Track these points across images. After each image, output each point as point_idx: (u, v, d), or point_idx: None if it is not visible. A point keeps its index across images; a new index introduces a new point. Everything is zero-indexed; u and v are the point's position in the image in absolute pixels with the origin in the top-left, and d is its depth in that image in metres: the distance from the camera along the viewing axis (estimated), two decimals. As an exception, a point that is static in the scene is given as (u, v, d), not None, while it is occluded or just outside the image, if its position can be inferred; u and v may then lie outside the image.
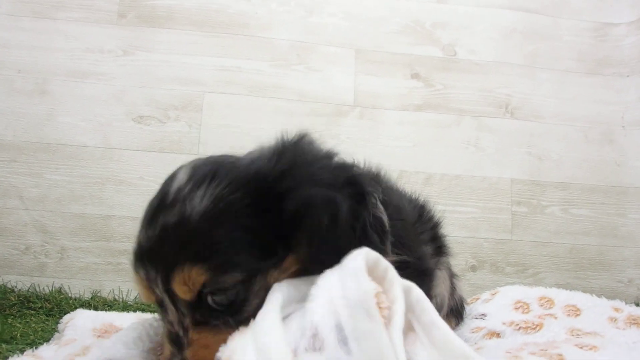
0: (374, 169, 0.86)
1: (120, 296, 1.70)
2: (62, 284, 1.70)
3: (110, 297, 1.69)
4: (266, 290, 0.58)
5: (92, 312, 0.99)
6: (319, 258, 0.58)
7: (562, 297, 0.83)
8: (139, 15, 1.87)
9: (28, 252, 1.71)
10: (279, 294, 0.56)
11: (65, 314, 1.59)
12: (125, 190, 1.77)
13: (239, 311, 0.59)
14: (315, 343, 0.50)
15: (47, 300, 1.59)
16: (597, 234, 1.88)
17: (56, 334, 1.04)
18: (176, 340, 0.60)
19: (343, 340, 0.48)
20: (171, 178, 0.64)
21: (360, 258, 0.53)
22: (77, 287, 1.70)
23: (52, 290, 1.68)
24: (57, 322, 1.41)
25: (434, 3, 1.99)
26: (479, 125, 1.93)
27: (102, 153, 1.79)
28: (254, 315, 0.55)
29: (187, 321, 0.59)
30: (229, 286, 0.58)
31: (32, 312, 1.55)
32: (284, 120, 1.82)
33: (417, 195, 1.02)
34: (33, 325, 1.35)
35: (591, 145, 1.96)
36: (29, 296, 1.60)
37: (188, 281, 0.57)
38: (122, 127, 1.81)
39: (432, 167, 1.88)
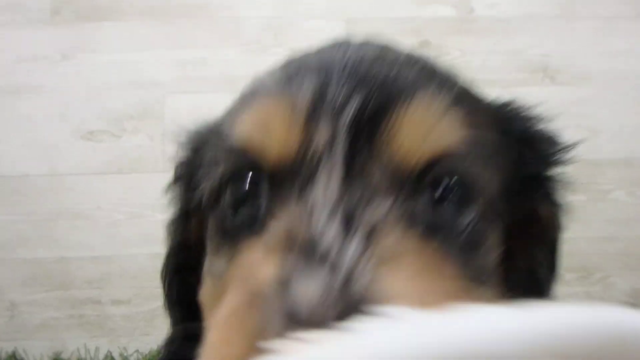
0: None
1: (88, 355, 1.40)
2: (16, 347, 1.40)
3: (74, 358, 1.39)
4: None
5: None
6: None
7: None
8: (76, 10, 1.52)
9: (-29, 312, 1.42)
10: None
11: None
12: (81, 225, 1.45)
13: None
14: None
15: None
16: (677, 220, 1.47)
17: None
18: (325, 254, 0.28)
19: None
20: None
21: None
22: (36, 349, 1.40)
23: (6, 355, 1.38)
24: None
25: (438, -50, 1.59)
26: (512, 96, 1.53)
27: (49, 182, 1.46)
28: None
29: (382, 211, 0.31)
30: (479, 182, 0.36)
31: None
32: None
33: None
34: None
35: (657, 107, 1.54)
36: (-24, 368, 1.31)
37: (431, 123, 0.35)
38: (70, 148, 1.48)
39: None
